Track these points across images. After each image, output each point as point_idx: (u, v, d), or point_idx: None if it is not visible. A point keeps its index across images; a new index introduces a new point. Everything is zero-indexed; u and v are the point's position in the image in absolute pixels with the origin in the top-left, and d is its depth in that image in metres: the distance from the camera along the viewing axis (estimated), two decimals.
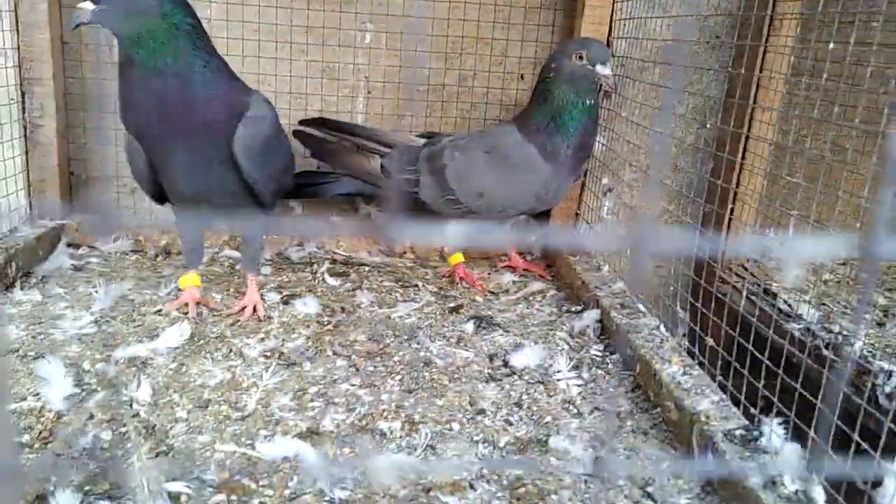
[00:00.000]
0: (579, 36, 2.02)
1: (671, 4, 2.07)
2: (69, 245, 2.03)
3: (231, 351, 1.48)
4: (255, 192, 1.53)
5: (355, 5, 2.09)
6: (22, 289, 1.71)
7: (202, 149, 1.44)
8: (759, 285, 1.96)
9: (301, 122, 2.07)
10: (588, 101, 1.75)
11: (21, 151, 1.99)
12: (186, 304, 1.63)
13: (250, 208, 1.57)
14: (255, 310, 1.64)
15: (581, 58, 1.70)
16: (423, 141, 1.98)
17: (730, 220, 2.07)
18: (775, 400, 1.18)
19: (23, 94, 1.98)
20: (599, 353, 1.57)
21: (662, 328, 1.54)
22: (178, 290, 1.70)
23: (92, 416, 1.23)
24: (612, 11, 2.01)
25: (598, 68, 1.70)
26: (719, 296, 1.90)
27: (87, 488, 1.05)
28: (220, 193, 1.52)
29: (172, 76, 1.37)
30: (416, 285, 1.89)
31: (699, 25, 2.16)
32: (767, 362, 1.23)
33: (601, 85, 1.74)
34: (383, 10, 2.09)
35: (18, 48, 1.95)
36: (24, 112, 1.99)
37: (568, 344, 1.61)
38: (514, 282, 1.97)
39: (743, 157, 2.02)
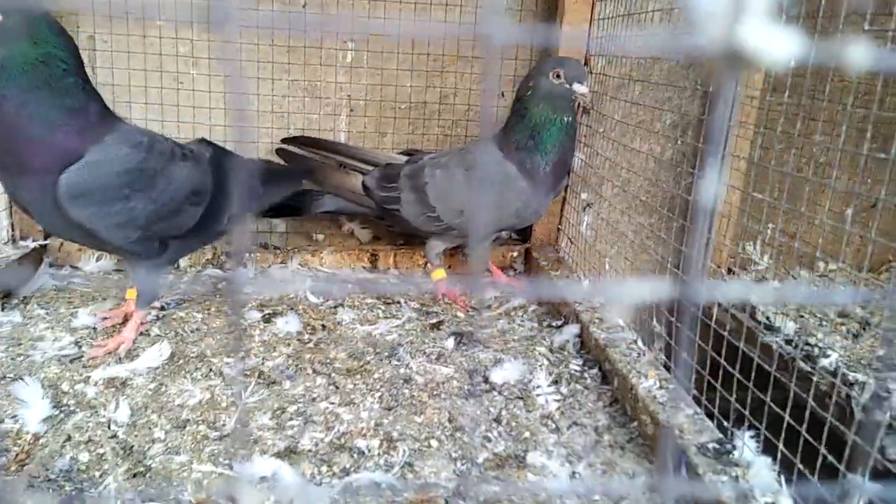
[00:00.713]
0: (557, 54, 2.05)
1: (648, 22, 2.10)
2: (51, 265, 2.03)
3: (211, 370, 1.48)
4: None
5: (337, 25, 2.12)
6: (3, 309, 1.71)
7: (40, 190, 1.34)
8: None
9: (283, 141, 2.09)
10: (565, 119, 1.77)
11: None
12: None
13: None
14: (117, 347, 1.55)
15: (558, 76, 1.73)
16: (404, 159, 2.00)
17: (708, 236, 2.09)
18: (746, 413, 1.20)
19: None
20: (578, 368, 1.58)
21: (640, 342, 1.55)
22: (150, 312, 1.73)
23: (70, 438, 1.23)
24: (590, 30, 2.04)
25: (575, 87, 1.72)
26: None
27: None
28: (78, 236, 1.46)
29: (14, 106, 1.28)
30: (399, 302, 1.90)
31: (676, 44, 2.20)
32: (739, 376, 1.25)
33: (578, 103, 1.77)
34: (364, 30, 2.12)
35: None
36: None
37: (548, 359, 1.62)
38: (495, 297, 1.98)
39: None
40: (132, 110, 2.07)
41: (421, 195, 1.88)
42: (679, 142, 2.20)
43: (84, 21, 2.03)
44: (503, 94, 2.22)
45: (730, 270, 2.23)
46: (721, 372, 1.31)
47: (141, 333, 1.62)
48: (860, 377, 1.52)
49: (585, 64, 2.04)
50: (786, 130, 1.69)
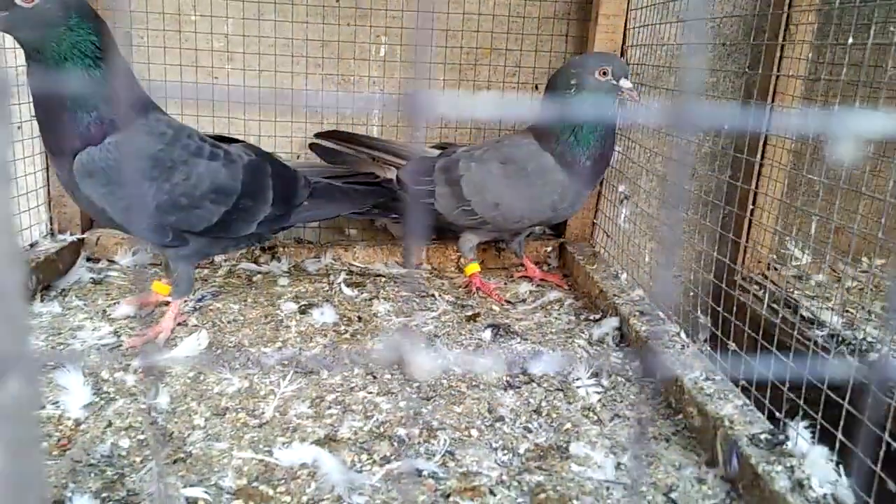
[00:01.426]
0: (593, 46, 2.02)
1: (684, 10, 2.07)
2: (89, 259, 2.05)
3: (248, 360, 1.48)
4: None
5: (370, 19, 2.11)
6: (42, 301, 1.73)
7: (68, 170, 1.42)
8: (781, 291, 1.93)
9: (317, 136, 2.08)
10: (609, 114, 1.75)
11: (42, 167, 2.02)
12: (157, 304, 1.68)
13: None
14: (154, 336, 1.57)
15: (605, 74, 1.69)
16: (437, 152, 1.98)
17: (749, 223, 2.05)
18: (801, 403, 1.16)
19: None
20: (619, 361, 1.55)
21: (683, 334, 1.52)
22: (188, 302, 1.73)
23: (110, 424, 1.23)
24: (626, 21, 2.01)
25: (622, 83, 1.70)
26: (741, 300, 1.88)
27: (104, 495, 1.05)
28: (102, 218, 1.50)
29: (49, 89, 1.35)
30: (433, 295, 1.88)
31: (714, 30, 2.16)
32: (791, 364, 1.21)
33: (624, 97, 1.73)
34: (397, 24, 2.11)
35: None
36: None
37: (587, 352, 1.59)
38: (531, 291, 1.96)
39: (762, 161, 2.01)
40: (168, 106, 2.06)
41: (455, 188, 1.86)
42: (721, 134, 2.16)
43: (121, 17, 2.05)
44: (537, 87, 2.20)
45: (769, 267, 2.18)
46: (772, 364, 1.27)
47: (179, 324, 1.62)
48: None
49: (622, 55, 2.01)
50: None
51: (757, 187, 2.02)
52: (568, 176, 1.78)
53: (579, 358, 1.54)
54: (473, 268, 1.95)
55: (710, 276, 1.78)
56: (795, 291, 2.00)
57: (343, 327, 1.65)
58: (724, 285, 1.71)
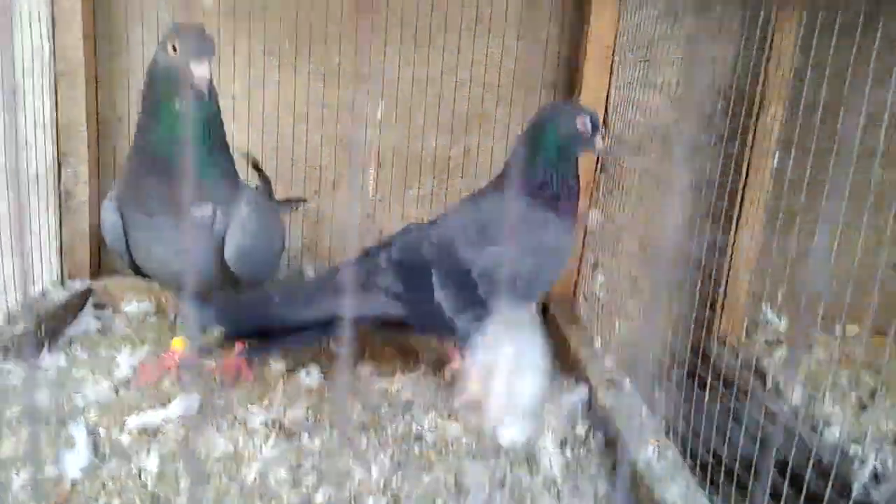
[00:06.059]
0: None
1: (666, 86, 2.16)
2: (96, 306, 2.17)
3: (236, 420, 1.58)
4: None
5: (369, 83, 2.23)
6: (50, 351, 1.85)
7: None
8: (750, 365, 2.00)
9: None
10: (577, 154, 1.75)
11: (56, 217, 2.15)
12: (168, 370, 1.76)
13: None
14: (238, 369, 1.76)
15: (584, 124, 1.70)
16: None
17: (724, 296, 2.14)
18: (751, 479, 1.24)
19: (59, 163, 2.15)
20: (585, 432, 1.64)
21: (645, 409, 1.61)
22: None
23: (104, 486, 1.34)
24: (608, 94, 2.11)
25: (596, 139, 1.73)
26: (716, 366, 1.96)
27: None
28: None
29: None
30: (416, 353, 1.98)
31: (695, 105, 2.25)
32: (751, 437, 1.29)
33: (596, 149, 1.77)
34: (393, 89, 2.23)
35: (57, 122, 2.12)
36: (59, 180, 2.16)
37: (556, 419, 1.68)
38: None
39: (736, 233, 2.10)
40: None
41: (464, 281, 1.65)
42: (700, 200, 2.25)
43: (134, 77, 2.18)
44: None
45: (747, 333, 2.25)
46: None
47: (176, 379, 1.73)
48: (860, 451, 1.54)
49: (604, 124, 2.11)
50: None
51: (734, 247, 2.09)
52: (563, 221, 1.73)
53: (548, 426, 1.63)
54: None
55: (685, 342, 1.86)
56: (765, 359, 2.08)
57: (326, 390, 1.75)
58: (696, 355, 1.79)
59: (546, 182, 1.71)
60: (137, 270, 1.70)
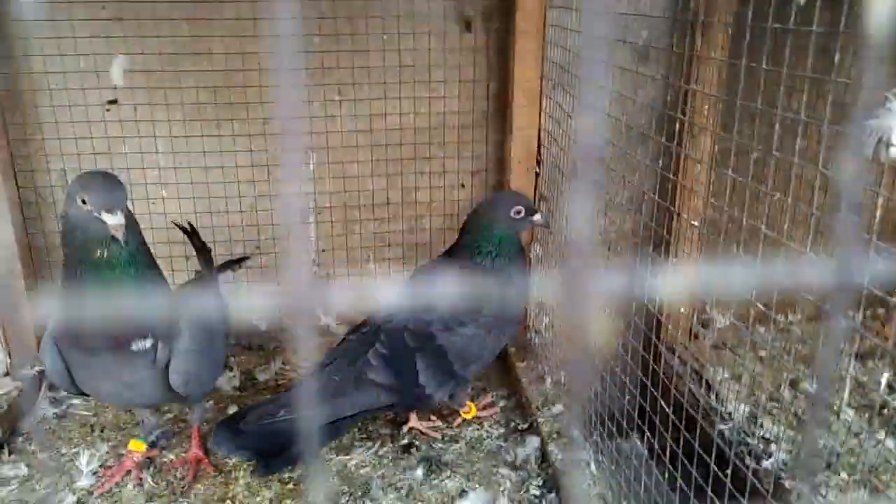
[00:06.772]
0: (511, 154, 2.14)
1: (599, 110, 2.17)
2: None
3: None
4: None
5: (298, 138, 2.19)
6: (10, 454, 1.85)
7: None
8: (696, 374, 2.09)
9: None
10: (519, 232, 1.87)
11: None
12: (128, 472, 1.78)
13: None
14: (199, 462, 1.79)
15: (519, 213, 1.81)
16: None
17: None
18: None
19: None
20: (538, 492, 1.72)
21: (593, 466, 1.69)
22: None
23: None
24: (539, 130, 2.11)
25: (535, 217, 1.83)
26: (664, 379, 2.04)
27: None
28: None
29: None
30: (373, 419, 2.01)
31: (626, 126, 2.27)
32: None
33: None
34: (323, 142, 2.19)
35: None
36: None
37: (510, 480, 1.75)
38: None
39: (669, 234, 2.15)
40: None
41: (439, 359, 1.79)
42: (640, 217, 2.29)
43: (53, 158, 2.11)
44: (463, 185, 2.31)
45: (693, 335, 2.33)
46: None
47: (137, 483, 1.76)
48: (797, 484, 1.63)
49: (538, 162, 2.12)
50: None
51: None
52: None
53: (503, 490, 1.71)
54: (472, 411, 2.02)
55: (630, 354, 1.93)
56: (709, 367, 2.15)
57: (287, 475, 1.79)
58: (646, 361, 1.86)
59: (493, 258, 1.82)
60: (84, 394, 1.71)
